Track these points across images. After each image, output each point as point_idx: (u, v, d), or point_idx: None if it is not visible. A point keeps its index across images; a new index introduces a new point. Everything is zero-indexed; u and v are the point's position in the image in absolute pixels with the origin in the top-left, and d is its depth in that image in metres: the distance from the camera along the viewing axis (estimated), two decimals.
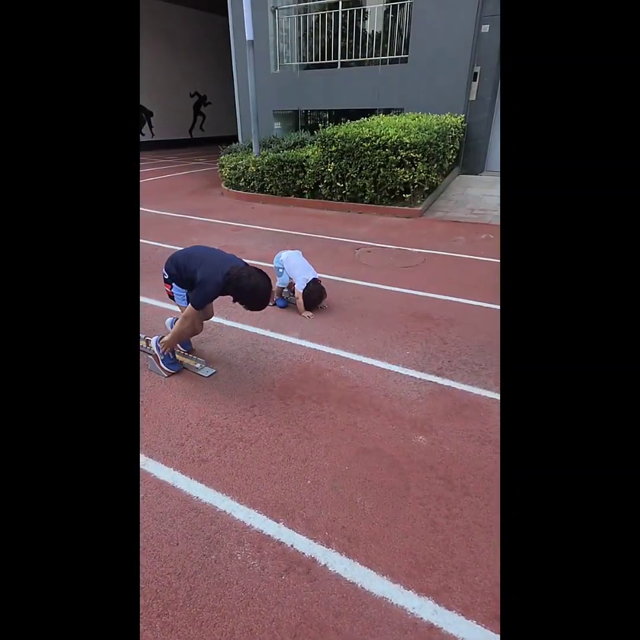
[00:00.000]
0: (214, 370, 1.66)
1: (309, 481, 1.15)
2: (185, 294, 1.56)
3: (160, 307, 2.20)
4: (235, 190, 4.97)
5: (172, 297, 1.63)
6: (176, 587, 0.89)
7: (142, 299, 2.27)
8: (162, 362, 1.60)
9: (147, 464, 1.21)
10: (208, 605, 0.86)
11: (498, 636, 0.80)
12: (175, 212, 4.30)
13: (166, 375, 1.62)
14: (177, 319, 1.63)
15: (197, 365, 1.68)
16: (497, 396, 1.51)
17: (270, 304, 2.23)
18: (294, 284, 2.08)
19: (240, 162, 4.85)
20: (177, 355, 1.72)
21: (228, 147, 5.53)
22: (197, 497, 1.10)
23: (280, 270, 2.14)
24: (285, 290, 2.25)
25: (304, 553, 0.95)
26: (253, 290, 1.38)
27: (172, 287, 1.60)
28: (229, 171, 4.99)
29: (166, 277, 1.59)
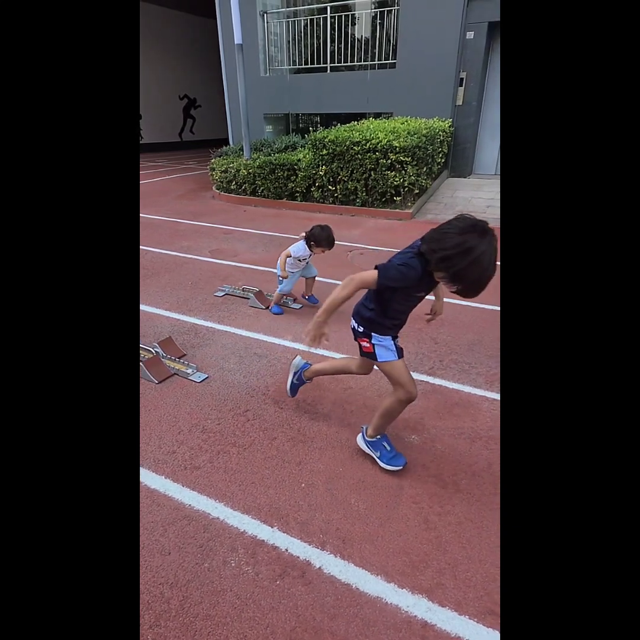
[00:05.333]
0: (206, 375, 1.65)
1: (303, 484, 1.15)
2: (390, 343, 1.05)
3: (152, 313, 2.18)
4: (226, 194, 4.96)
5: (372, 354, 1.07)
6: (168, 597, 0.88)
7: None
8: (380, 459, 1.17)
9: None
10: (201, 613, 0.84)
11: (490, 630, 0.82)
12: (164, 215, 4.25)
13: (157, 382, 1.60)
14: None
15: (189, 370, 1.67)
16: (486, 393, 1.54)
17: (262, 307, 2.23)
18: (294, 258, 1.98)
19: (231, 165, 4.84)
20: (167, 360, 1.70)
21: (219, 150, 5.51)
22: (190, 505, 1.09)
23: (280, 278, 2.09)
24: (285, 298, 2.23)
25: (298, 557, 0.95)
26: (471, 253, 0.81)
27: (371, 337, 1.05)
28: (220, 174, 4.97)
29: (360, 329, 1.07)
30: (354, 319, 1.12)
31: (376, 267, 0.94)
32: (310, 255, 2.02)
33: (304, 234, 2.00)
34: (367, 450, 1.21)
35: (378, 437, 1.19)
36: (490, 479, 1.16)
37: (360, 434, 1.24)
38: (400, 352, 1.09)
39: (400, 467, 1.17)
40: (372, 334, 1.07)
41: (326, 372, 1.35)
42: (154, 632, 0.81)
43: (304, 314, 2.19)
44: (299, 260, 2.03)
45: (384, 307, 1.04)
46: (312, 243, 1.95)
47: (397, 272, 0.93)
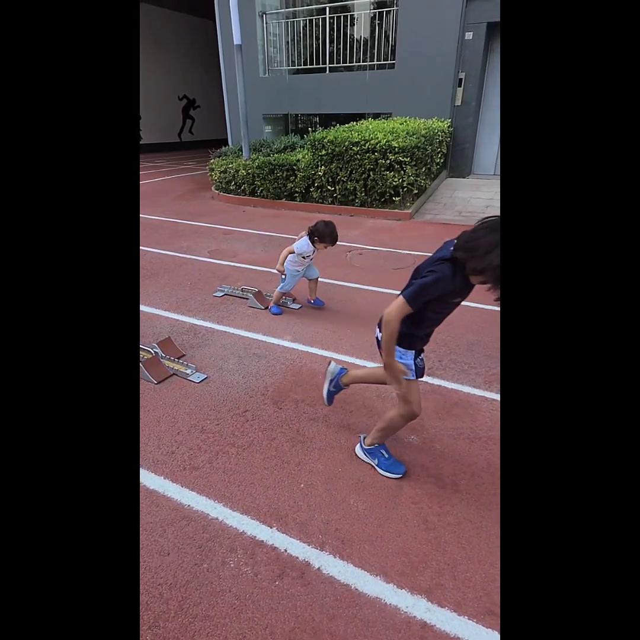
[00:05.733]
0: (206, 376, 1.65)
1: (302, 485, 1.15)
2: (411, 362, 1.05)
3: (151, 313, 2.17)
4: (225, 194, 4.96)
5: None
6: (167, 597, 0.87)
7: None
8: (379, 466, 1.18)
9: None
10: (200, 614, 0.84)
11: (490, 630, 0.82)
12: (164, 216, 4.25)
13: (156, 382, 1.60)
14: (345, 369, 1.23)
15: (188, 370, 1.67)
16: (486, 394, 1.54)
17: (261, 307, 2.23)
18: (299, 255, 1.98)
19: (230, 165, 4.84)
20: (166, 361, 1.70)
21: (218, 150, 5.51)
22: (189, 506, 1.08)
23: (283, 276, 2.08)
24: (284, 298, 2.22)
25: (297, 557, 0.95)
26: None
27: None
28: (219, 175, 4.97)
29: (379, 337, 1.06)
30: (379, 328, 1.06)
31: (401, 294, 0.93)
32: (314, 251, 2.01)
33: (305, 232, 1.99)
34: (366, 459, 1.21)
35: (376, 445, 1.20)
36: (490, 479, 1.16)
37: (359, 444, 1.24)
38: (419, 372, 1.07)
39: (400, 475, 1.16)
40: (396, 347, 1.02)
41: (365, 380, 1.29)
42: (153, 633, 0.81)
43: (303, 314, 2.19)
44: (303, 257, 2.02)
45: (417, 318, 0.99)
46: (315, 239, 1.95)
47: (423, 288, 0.91)
